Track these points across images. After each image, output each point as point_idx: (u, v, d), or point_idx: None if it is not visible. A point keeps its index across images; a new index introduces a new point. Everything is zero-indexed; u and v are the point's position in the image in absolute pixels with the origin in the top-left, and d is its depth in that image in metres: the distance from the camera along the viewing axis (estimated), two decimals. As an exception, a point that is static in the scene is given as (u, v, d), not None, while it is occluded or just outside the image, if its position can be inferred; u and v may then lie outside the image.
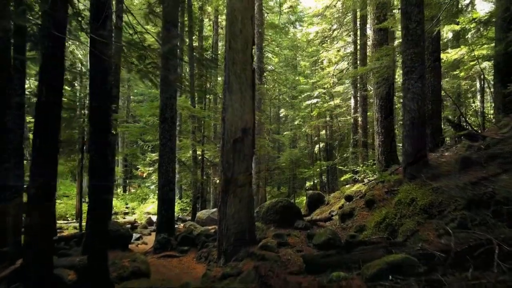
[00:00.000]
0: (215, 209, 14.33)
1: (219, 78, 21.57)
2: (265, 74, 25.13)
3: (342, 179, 14.16)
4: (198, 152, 16.89)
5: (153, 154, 21.83)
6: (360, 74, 12.98)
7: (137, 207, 22.32)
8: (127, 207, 23.66)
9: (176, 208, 21.25)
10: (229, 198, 5.99)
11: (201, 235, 9.69)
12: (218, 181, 20.43)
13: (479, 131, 9.69)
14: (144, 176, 25.05)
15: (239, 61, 5.82)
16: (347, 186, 14.55)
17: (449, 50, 15.66)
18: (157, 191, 21.71)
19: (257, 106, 19.96)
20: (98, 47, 4.86)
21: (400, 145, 16.74)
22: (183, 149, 17.80)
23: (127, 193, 29.09)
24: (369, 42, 10.67)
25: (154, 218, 19.71)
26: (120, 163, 31.54)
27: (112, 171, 8.32)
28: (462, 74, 15.28)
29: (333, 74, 21.47)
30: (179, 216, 20.70)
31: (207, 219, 13.94)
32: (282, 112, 34.17)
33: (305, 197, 31.66)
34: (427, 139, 9.44)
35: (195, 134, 16.22)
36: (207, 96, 18.36)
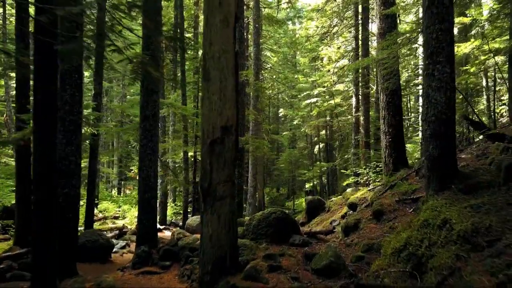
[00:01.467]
0: (206, 215, 13.09)
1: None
2: (262, 72, 23.84)
3: (344, 183, 12.88)
4: (190, 154, 15.62)
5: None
6: (365, 65, 11.68)
7: (128, 211, 21.03)
8: (119, 210, 22.39)
9: (169, 212, 19.98)
10: (206, 214, 4.67)
11: (186, 248, 8.40)
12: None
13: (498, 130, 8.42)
14: (137, 177, 23.84)
15: (218, 41, 4.52)
16: (348, 190, 13.31)
17: (457, 44, 14.39)
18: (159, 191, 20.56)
19: (253, 104, 18.70)
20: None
21: (408, 146, 15.34)
22: (176, 150, 16.52)
23: (121, 195, 27.82)
24: (375, 31, 9.38)
25: (145, 223, 18.42)
26: (115, 165, 30.29)
27: (77, 176, 7.06)
28: (472, 69, 13.98)
29: (333, 71, 20.15)
30: (172, 221, 19.42)
31: (197, 226, 12.64)
32: (281, 112, 32.87)
33: (304, 199, 30.42)
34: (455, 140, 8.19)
35: (187, 135, 14.95)
36: (200, 93, 17.12)
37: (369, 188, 9.28)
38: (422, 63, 9.25)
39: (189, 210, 23.61)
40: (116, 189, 28.85)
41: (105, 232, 17.21)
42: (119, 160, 29.07)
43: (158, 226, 17.87)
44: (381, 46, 8.15)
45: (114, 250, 12.77)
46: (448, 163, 4.46)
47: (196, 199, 24.99)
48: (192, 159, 15.18)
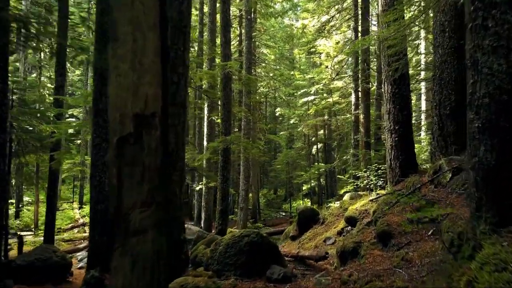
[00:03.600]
0: (185, 226, 11.25)
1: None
2: (257, 68, 22.02)
3: (342, 191, 11.07)
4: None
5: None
6: (366, 46, 9.86)
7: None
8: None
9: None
10: (115, 256, 2.74)
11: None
12: (203, 187, 17.36)
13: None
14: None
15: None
16: (346, 197, 11.52)
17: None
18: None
19: (244, 102, 16.87)
20: None
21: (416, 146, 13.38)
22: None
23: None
24: (379, 8, 7.55)
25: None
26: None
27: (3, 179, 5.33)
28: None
29: (332, 65, 18.31)
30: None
31: (175, 237, 10.88)
32: (278, 111, 31.03)
33: (302, 201, 28.52)
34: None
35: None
36: (185, 90, 15.31)
37: (371, 198, 7.45)
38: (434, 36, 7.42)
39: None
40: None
41: (81, 242, 15.44)
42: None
43: (140, 233, 16.05)
44: (386, 20, 6.35)
45: (81, 265, 11.00)
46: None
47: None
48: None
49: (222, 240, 5.23)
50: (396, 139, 7.62)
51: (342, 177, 13.20)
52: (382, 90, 7.97)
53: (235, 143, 11.65)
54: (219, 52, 14.17)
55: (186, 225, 11.95)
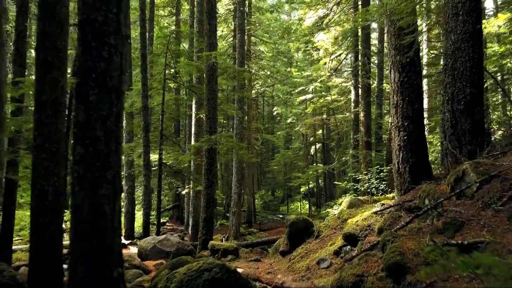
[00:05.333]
0: (163, 236, 9.79)
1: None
2: (251, 64, 20.54)
3: (340, 201, 9.59)
4: (155, 156, 12.38)
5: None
6: (368, 22, 8.39)
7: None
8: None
9: (137, 224, 16.65)
10: None
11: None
12: (191, 191, 15.85)
13: None
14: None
15: None
16: (344, 206, 10.05)
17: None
18: (125, 199, 17.11)
19: (236, 99, 15.38)
20: None
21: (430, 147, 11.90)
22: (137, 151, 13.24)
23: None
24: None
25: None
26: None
27: None
28: (501, 49, 10.65)
29: (330, 60, 16.83)
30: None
31: (152, 249, 9.40)
32: (276, 110, 29.54)
33: (300, 203, 27.00)
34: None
35: (148, 134, 11.68)
36: (170, 84, 13.82)
37: (375, 210, 5.98)
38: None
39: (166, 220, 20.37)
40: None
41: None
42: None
43: (123, 241, 14.63)
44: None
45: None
46: None
47: (173, 207, 21.72)
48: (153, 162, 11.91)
49: (175, 274, 3.76)
50: (405, 137, 6.15)
51: (340, 183, 11.71)
52: (389, 79, 6.51)
53: (222, 143, 10.19)
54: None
55: (164, 235, 10.54)
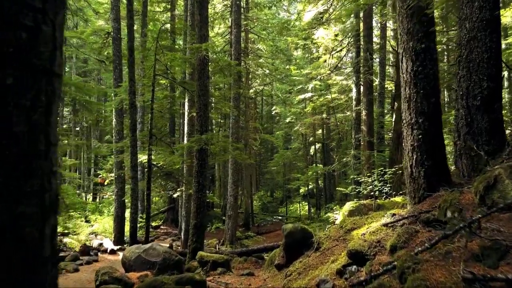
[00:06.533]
0: (149, 245, 8.83)
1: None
2: (249, 61, 19.58)
3: (340, 211, 8.62)
4: (144, 157, 11.43)
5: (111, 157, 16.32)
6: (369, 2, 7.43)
7: (88, 224, 16.78)
8: (87, 221, 18.12)
9: (127, 228, 15.66)
10: None
11: None
12: (183, 194, 14.82)
13: None
14: (105, 183, 19.63)
15: None
16: (346, 208, 9.16)
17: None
18: (113, 204, 16.09)
19: (232, 96, 14.43)
20: None
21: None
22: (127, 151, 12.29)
23: (97, 201, 23.59)
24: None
25: (96, 242, 14.17)
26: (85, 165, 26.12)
27: None
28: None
29: (331, 55, 15.88)
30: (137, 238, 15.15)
31: (136, 260, 8.45)
32: (275, 110, 28.58)
33: (299, 204, 26.01)
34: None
35: (135, 134, 10.72)
36: (161, 80, 12.86)
37: (385, 222, 5.02)
38: None
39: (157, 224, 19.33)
40: (91, 194, 24.59)
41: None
42: (94, 163, 24.92)
43: (112, 246, 13.68)
44: None
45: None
46: None
47: (167, 210, 20.73)
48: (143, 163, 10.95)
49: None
50: (420, 137, 5.20)
51: (343, 189, 10.76)
52: (400, 68, 5.54)
53: (213, 143, 9.24)
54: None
55: (150, 244, 9.58)
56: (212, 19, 20.07)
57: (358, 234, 5.31)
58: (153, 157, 11.65)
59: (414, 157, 5.25)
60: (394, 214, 5.23)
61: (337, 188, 13.31)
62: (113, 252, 12.96)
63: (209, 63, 9.78)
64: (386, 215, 5.36)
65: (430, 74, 5.28)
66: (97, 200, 24.18)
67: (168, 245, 12.86)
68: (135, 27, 21.03)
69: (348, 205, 9.19)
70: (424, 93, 5.27)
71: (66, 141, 11.98)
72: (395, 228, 4.80)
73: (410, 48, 5.37)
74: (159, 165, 11.95)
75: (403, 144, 5.62)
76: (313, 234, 6.71)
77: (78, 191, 24.27)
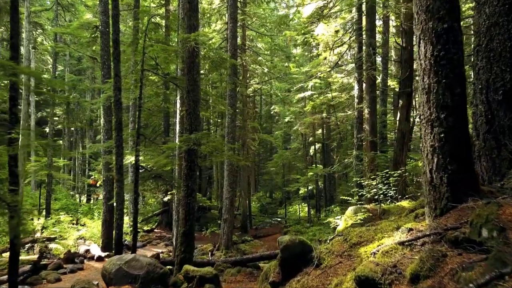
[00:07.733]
0: (131, 256, 7.87)
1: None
2: (247, 58, 18.62)
3: (345, 217, 7.64)
4: (132, 158, 10.50)
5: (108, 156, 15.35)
6: None
7: (76, 228, 15.80)
8: (79, 224, 17.15)
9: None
10: None
11: None
12: (175, 198, 13.78)
13: None
14: (98, 184, 18.66)
15: None
16: (348, 214, 8.25)
17: None
18: (102, 206, 15.09)
19: (228, 94, 13.48)
20: None
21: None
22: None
23: (91, 203, 22.62)
24: None
25: (82, 248, 13.19)
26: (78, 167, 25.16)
27: None
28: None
29: (331, 51, 14.92)
30: (125, 242, 14.20)
31: (117, 273, 7.50)
32: (274, 109, 27.61)
33: (299, 206, 25.00)
34: None
35: (121, 132, 9.78)
36: (151, 76, 11.91)
37: (400, 239, 4.07)
38: None
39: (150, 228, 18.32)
40: (85, 196, 23.61)
41: (23, 265, 12.09)
42: (88, 163, 23.96)
43: (100, 253, 12.71)
44: None
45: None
46: None
47: (162, 212, 19.75)
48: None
49: None
50: (442, 135, 4.24)
51: (347, 197, 9.80)
52: (418, 53, 4.58)
53: (204, 143, 8.29)
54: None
55: (133, 255, 8.62)
56: (208, 15, 19.13)
57: (366, 252, 4.35)
58: (141, 158, 10.72)
59: (435, 160, 4.28)
60: (411, 229, 4.26)
61: (341, 197, 12.35)
62: (100, 259, 12.00)
63: (201, 57, 8.83)
64: (400, 230, 4.39)
65: (454, 59, 4.31)
66: (91, 201, 23.22)
67: (155, 254, 11.94)
68: (129, 23, 20.11)
69: (350, 210, 8.26)
70: (447, 83, 4.29)
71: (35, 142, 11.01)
72: (414, 247, 3.84)
73: (429, 29, 4.40)
74: (148, 167, 10.99)
75: (421, 145, 4.66)
76: (313, 248, 5.74)
77: (72, 193, 23.33)
